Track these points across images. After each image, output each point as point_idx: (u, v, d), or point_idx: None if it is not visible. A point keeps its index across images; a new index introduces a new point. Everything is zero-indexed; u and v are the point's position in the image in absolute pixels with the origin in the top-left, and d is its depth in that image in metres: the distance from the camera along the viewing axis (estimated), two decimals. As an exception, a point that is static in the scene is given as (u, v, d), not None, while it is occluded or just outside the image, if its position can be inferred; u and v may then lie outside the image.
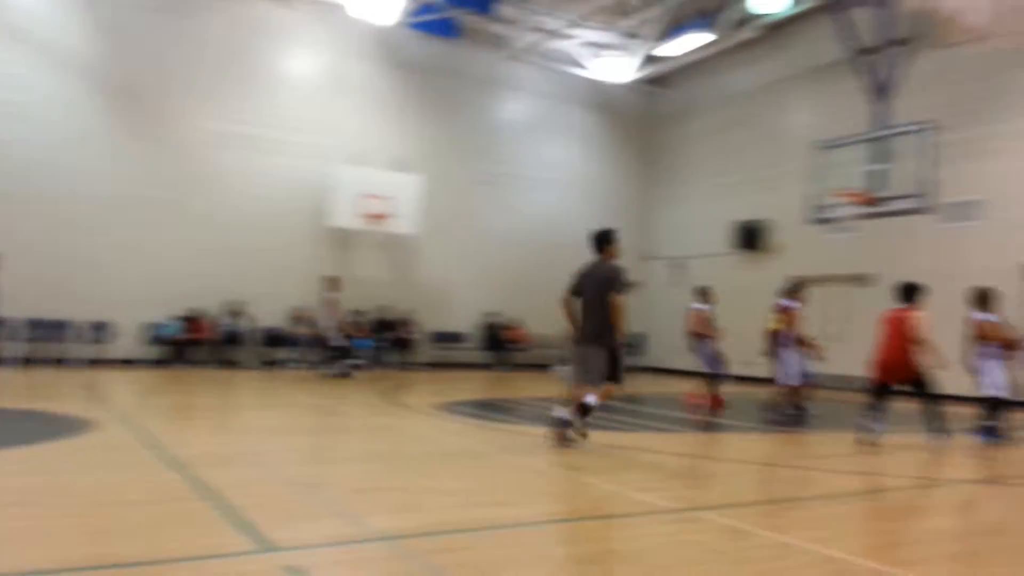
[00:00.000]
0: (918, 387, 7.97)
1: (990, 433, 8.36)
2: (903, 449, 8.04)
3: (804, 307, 10.27)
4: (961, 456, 7.84)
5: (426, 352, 18.43)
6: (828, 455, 7.59)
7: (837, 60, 16.72)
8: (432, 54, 18.88)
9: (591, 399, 6.72)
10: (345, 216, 16.95)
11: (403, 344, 17.83)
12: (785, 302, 10.14)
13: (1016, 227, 13.69)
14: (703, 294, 10.82)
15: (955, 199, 14.38)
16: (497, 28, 19.08)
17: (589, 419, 6.86)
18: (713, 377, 10.43)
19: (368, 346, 16.68)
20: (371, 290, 17.65)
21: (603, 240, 7.06)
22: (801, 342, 9.84)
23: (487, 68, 19.62)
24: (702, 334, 10.51)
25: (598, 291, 6.84)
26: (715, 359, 10.55)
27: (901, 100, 15.24)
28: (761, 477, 6.31)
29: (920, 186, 11.53)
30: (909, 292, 8.25)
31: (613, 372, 6.82)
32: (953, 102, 14.93)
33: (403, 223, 17.52)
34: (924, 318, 7.99)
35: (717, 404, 10.32)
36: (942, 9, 13.74)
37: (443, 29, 18.79)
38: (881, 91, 13.03)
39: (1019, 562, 4.16)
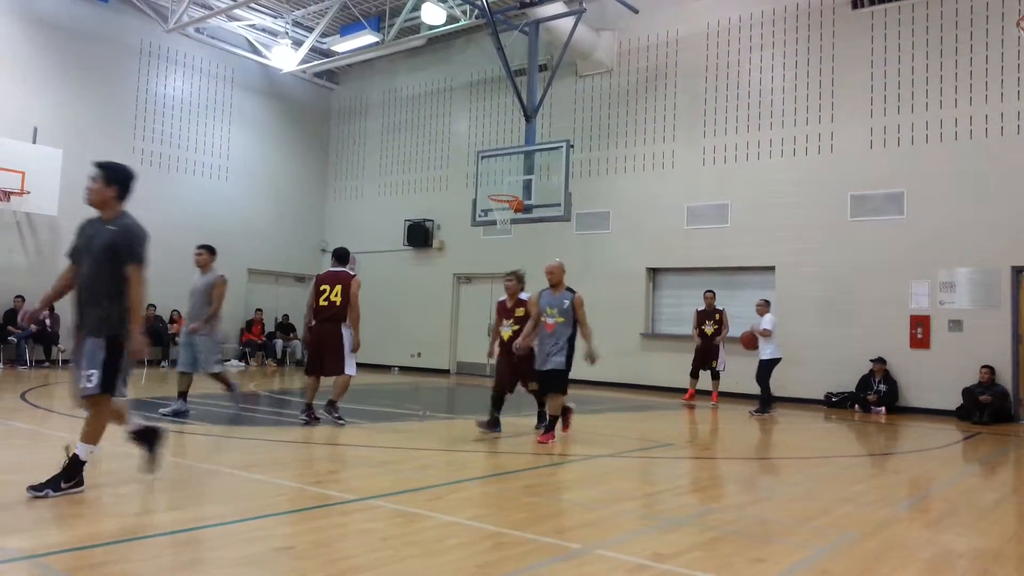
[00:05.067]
0: None
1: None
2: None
3: None
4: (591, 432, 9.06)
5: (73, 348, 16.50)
6: (479, 439, 8.28)
7: (496, 77, 18.22)
8: (78, 14, 16.76)
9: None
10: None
11: (44, 339, 15.67)
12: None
13: (636, 235, 16.10)
14: None
15: (588, 210, 16.50)
16: (154, -4, 17.62)
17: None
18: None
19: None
20: (2, 277, 15.38)
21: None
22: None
23: (146, 39, 17.94)
24: None
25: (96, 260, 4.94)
26: None
27: (546, 119, 17.09)
28: (425, 463, 6.71)
29: (560, 197, 13.01)
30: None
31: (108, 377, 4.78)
32: (586, 125, 17.12)
33: (41, 201, 15.26)
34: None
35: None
36: (576, 44, 15.61)
37: (89, -12, 16.78)
38: (528, 109, 14.45)
39: (637, 522, 5.00)
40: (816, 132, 14.29)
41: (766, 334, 11.85)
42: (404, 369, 19.28)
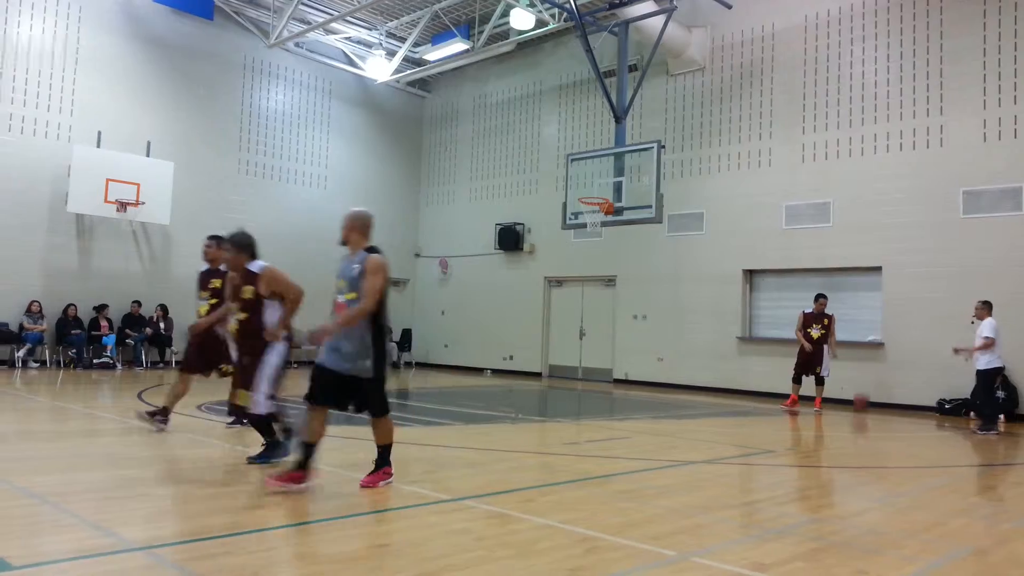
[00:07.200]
0: None
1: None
2: (640, 434, 8.92)
3: None
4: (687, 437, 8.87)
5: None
6: (572, 441, 8.22)
7: (585, 79, 18.14)
8: (186, 33, 17.66)
9: None
10: (89, 202, 15.36)
11: (159, 341, 16.57)
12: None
13: (731, 236, 15.69)
14: None
15: (680, 211, 16.19)
16: (255, 13, 18.39)
17: None
18: None
19: (111, 342, 15.61)
20: (120, 283, 16.34)
21: None
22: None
23: (248, 54, 18.75)
24: None
25: None
26: None
27: (636, 120, 16.88)
28: (518, 465, 6.72)
29: (651, 199, 12.83)
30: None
31: None
32: (678, 125, 16.82)
33: (155, 212, 16.22)
34: None
35: None
36: (667, 43, 15.35)
37: (197, 7, 17.64)
38: (618, 111, 14.32)
39: (735, 530, 4.86)
40: (924, 125, 13.59)
41: (989, 343, 10.31)
42: (496, 372, 19.40)
